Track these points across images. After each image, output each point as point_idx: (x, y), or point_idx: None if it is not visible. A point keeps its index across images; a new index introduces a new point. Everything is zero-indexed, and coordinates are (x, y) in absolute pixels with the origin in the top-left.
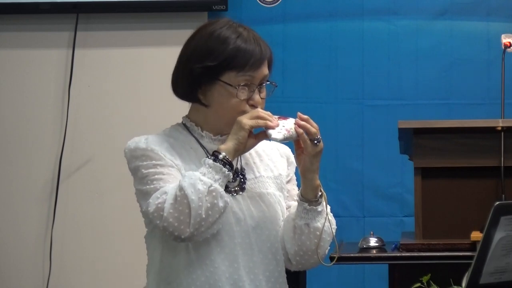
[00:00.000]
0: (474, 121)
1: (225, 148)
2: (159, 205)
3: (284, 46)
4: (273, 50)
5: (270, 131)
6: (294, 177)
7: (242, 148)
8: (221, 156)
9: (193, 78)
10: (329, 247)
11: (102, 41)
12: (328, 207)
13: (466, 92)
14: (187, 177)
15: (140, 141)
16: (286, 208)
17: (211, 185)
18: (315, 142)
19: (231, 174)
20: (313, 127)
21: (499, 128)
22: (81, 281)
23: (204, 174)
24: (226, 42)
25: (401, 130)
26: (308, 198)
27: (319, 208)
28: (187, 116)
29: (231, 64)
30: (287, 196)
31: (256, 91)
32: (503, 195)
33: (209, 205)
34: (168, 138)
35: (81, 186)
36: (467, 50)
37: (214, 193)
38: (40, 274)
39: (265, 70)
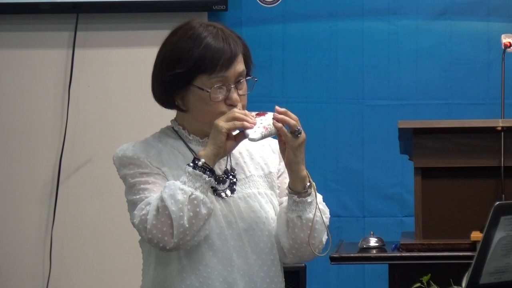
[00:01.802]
0: (474, 121)
1: (204, 154)
2: (143, 217)
3: (284, 46)
4: (273, 50)
5: (248, 131)
6: (286, 171)
7: (222, 152)
8: (200, 163)
9: (167, 86)
10: (326, 237)
11: (102, 41)
12: (320, 196)
13: (466, 92)
14: (167, 188)
15: (128, 148)
16: (280, 204)
17: (191, 194)
18: (296, 134)
19: (212, 179)
20: (292, 119)
21: (499, 128)
22: (81, 281)
23: (184, 183)
24: (193, 46)
25: (401, 130)
26: (297, 190)
27: (309, 199)
28: (175, 119)
29: (201, 67)
30: (279, 192)
31: (233, 89)
32: (503, 195)
33: (191, 214)
34: (157, 143)
35: (81, 186)
36: (467, 50)
37: (195, 201)
38: (40, 274)
39: (239, 67)
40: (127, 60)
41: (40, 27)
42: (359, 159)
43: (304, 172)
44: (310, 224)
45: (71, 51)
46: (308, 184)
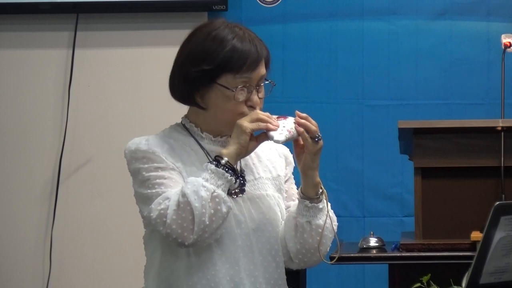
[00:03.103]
0: (474, 121)
1: (227, 153)
2: (162, 212)
3: (284, 46)
4: (273, 50)
5: (272, 133)
6: (292, 177)
7: (244, 152)
8: (223, 162)
9: (190, 81)
10: (330, 245)
11: (102, 41)
12: (329, 204)
13: (466, 92)
14: (190, 184)
15: (141, 142)
16: (286, 209)
17: (214, 191)
18: (316, 139)
19: (233, 179)
20: (313, 125)
21: (499, 128)
22: (81, 281)
23: (206, 180)
24: (221, 44)
25: (401, 130)
26: (309, 196)
27: (320, 205)
28: (186, 117)
29: (228, 66)
30: (286, 196)
31: (254, 91)
32: (503, 195)
33: (212, 211)
34: (168, 139)
35: (81, 186)
36: (467, 50)
37: (217, 199)
38: (40, 274)
39: (262, 70)
40: (127, 60)
41: (40, 27)
42: (359, 159)
43: (318, 178)
44: (319, 230)
45: (71, 51)
46: (320, 191)
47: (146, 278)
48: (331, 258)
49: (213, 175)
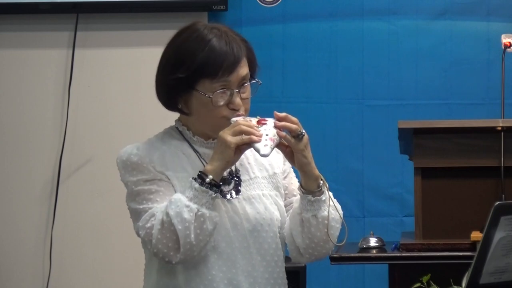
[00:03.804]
0: (474, 121)
1: (212, 169)
2: (148, 231)
3: (284, 46)
4: (273, 50)
5: (257, 146)
6: (292, 171)
7: (230, 165)
8: (208, 180)
9: (170, 88)
10: (338, 234)
11: (102, 41)
12: (331, 193)
13: (466, 92)
14: (174, 204)
15: (132, 152)
16: (288, 205)
17: (198, 211)
18: (300, 137)
19: (218, 194)
20: (293, 123)
21: (499, 128)
22: (81, 281)
23: (190, 199)
24: (197, 50)
25: (401, 130)
26: (311, 190)
27: (323, 197)
28: (179, 119)
29: (203, 72)
30: (286, 193)
31: (236, 94)
32: (503, 195)
33: (198, 231)
34: (161, 145)
35: (81, 186)
36: (467, 50)
37: (202, 218)
38: (40, 274)
39: (242, 71)
40: (127, 60)
41: (40, 27)
42: (359, 159)
43: (316, 170)
44: (326, 222)
45: (71, 51)
46: (321, 182)
47: (147, 282)
48: (331, 259)
49: (197, 193)
